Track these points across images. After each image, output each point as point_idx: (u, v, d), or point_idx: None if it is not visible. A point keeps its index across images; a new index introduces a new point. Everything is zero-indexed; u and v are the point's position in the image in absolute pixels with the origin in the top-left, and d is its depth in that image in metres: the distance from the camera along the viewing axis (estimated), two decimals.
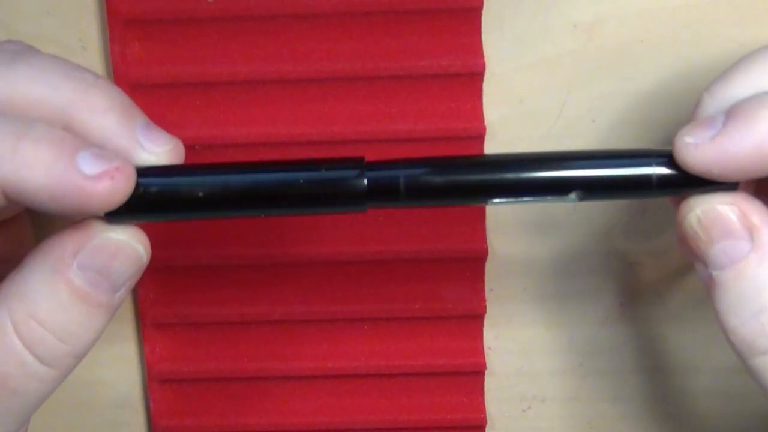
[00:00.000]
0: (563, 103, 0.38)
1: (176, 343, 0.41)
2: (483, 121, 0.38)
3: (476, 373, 0.41)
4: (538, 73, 0.38)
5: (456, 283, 0.40)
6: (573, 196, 0.30)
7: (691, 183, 0.30)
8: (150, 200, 0.30)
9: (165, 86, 0.38)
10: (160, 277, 0.40)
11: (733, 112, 0.30)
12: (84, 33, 0.38)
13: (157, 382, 0.41)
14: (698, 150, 0.29)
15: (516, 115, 0.38)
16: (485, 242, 0.39)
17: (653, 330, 0.41)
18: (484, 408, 0.42)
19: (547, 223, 0.40)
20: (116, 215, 0.30)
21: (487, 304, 0.40)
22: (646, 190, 0.31)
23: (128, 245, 0.30)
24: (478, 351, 0.41)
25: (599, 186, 0.31)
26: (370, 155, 0.36)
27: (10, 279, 0.30)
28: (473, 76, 0.38)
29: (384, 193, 0.31)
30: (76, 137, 0.29)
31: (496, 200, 0.31)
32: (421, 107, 0.38)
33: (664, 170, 0.30)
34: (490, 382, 0.42)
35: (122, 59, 0.37)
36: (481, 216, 0.39)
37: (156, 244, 0.39)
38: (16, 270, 0.30)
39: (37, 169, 0.28)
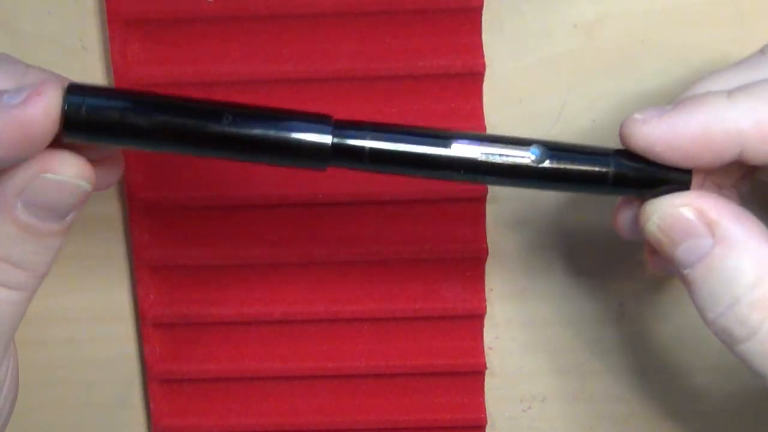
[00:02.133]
0: (563, 103, 0.38)
1: (176, 343, 0.41)
2: (483, 121, 0.38)
3: (476, 373, 0.41)
4: (538, 73, 0.38)
5: (456, 283, 0.40)
6: (534, 159, 0.31)
7: (645, 182, 0.31)
8: (100, 118, 0.29)
9: (165, 86, 0.38)
10: (160, 277, 0.40)
11: (681, 99, 0.31)
12: (84, 33, 0.38)
13: (157, 382, 0.41)
14: (645, 124, 0.30)
15: (516, 115, 0.38)
16: (485, 242, 0.40)
17: (653, 330, 0.41)
18: (484, 408, 0.42)
19: (547, 224, 0.40)
20: (71, 133, 0.29)
21: (487, 304, 0.40)
22: (600, 186, 0.31)
23: (70, 183, 0.31)
24: (478, 351, 0.41)
25: (555, 176, 0.31)
26: None
27: None
28: (473, 76, 0.38)
29: (348, 154, 0.30)
30: None
31: (458, 176, 0.31)
32: (421, 107, 0.38)
33: (620, 169, 0.31)
34: (490, 382, 0.42)
35: (122, 59, 0.37)
36: (481, 216, 0.39)
37: (156, 243, 0.40)
38: None
39: None
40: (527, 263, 0.40)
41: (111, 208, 0.40)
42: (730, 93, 0.30)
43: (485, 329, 0.41)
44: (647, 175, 0.31)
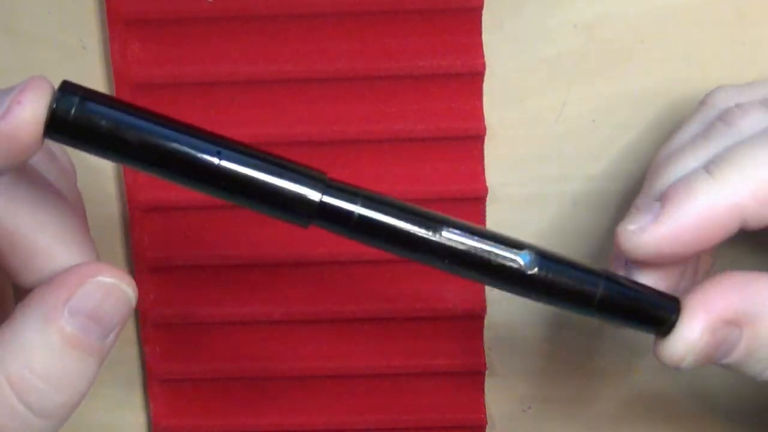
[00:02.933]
0: (563, 103, 0.38)
1: (176, 343, 0.41)
2: (483, 121, 0.38)
3: (476, 373, 0.41)
4: (538, 73, 0.38)
5: (456, 283, 0.40)
6: (523, 265, 0.29)
7: (632, 312, 0.31)
8: (88, 124, 0.27)
9: (165, 86, 0.38)
10: (160, 277, 0.40)
11: (667, 194, 0.31)
12: (84, 33, 0.38)
13: (157, 382, 0.41)
14: (644, 233, 0.30)
15: (516, 115, 0.38)
16: None
17: None
18: (484, 408, 0.42)
19: (548, 224, 0.40)
20: (54, 134, 0.28)
21: (487, 304, 0.40)
22: (585, 307, 0.30)
23: (118, 288, 0.30)
24: (478, 351, 0.41)
25: (540, 287, 0.30)
26: (370, 155, 0.36)
27: (0, 335, 0.30)
28: (473, 76, 0.38)
29: (334, 216, 0.28)
30: None
31: (442, 264, 0.29)
32: (421, 107, 0.38)
33: (610, 292, 0.30)
34: (490, 382, 0.42)
35: (122, 59, 0.37)
36: (482, 216, 0.39)
37: (156, 244, 0.40)
38: (5, 324, 0.30)
39: None
40: None
41: (111, 208, 0.40)
42: (708, 169, 0.30)
43: (485, 329, 0.41)
44: (636, 306, 0.30)
